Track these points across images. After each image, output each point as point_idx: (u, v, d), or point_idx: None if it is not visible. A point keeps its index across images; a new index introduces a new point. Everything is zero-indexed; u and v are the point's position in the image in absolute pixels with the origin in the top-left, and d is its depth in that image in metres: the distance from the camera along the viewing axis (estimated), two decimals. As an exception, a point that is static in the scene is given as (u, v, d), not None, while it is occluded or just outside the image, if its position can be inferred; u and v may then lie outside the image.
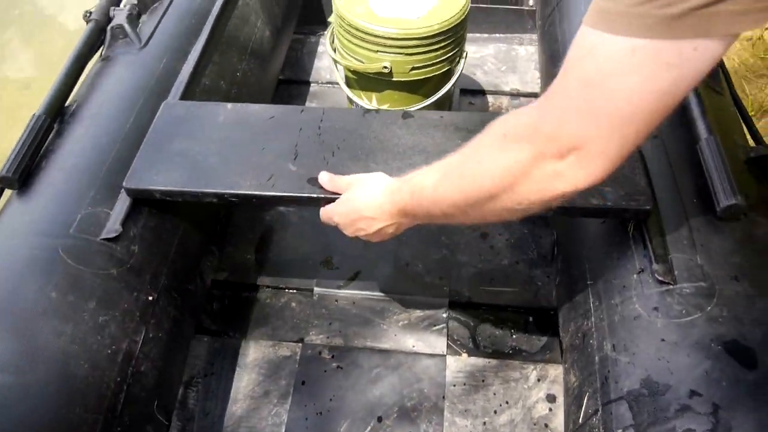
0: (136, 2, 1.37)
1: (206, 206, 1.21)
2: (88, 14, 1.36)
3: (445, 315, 1.32)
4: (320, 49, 2.00)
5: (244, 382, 1.23)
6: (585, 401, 0.94)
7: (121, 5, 1.39)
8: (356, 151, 1.09)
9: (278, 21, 1.70)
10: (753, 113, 2.25)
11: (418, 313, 1.33)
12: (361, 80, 1.50)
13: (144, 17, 1.39)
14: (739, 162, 1.08)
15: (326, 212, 1.00)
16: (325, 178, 1.02)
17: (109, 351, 0.92)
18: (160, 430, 1.00)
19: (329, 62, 1.56)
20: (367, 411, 1.18)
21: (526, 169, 0.63)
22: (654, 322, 0.89)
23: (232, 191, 1.03)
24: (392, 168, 1.05)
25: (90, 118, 1.16)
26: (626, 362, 0.88)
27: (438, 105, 1.53)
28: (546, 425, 1.16)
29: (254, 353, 1.27)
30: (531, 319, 1.32)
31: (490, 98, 1.85)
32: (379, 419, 1.17)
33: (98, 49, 1.35)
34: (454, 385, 1.21)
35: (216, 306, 1.34)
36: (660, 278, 0.92)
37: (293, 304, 1.35)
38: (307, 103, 1.83)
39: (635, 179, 1.00)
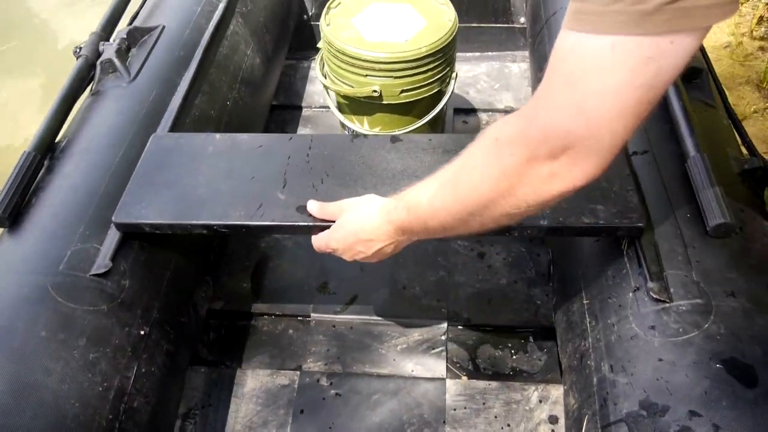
0: (125, 36, 1.37)
1: (199, 237, 1.21)
2: (78, 50, 1.36)
3: (443, 337, 1.31)
4: (312, 74, 2.00)
5: (242, 413, 1.21)
6: (585, 424, 0.92)
7: (111, 40, 1.39)
8: (345, 177, 1.08)
9: (269, 48, 1.71)
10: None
11: (417, 336, 1.32)
12: (352, 104, 1.51)
13: (133, 51, 1.39)
14: (733, 174, 1.07)
15: (321, 240, 0.99)
16: (314, 207, 1.01)
17: (101, 388, 0.91)
18: (155, 466, 0.99)
19: (322, 87, 1.57)
20: (366, 439, 1.17)
21: (521, 172, 0.64)
22: (651, 342, 0.88)
23: (221, 222, 1.03)
24: (381, 193, 1.04)
25: (80, 154, 1.16)
26: (624, 383, 0.87)
27: (430, 125, 1.53)
28: (549, 448, 1.14)
29: (252, 383, 1.26)
30: (531, 338, 1.30)
31: (483, 116, 1.85)
32: (379, 447, 1.16)
33: (89, 84, 1.35)
34: (455, 409, 1.20)
35: (212, 336, 1.33)
36: (656, 296, 0.91)
37: (290, 331, 1.34)
38: (301, 128, 1.83)
39: (627, 196, 0.99)
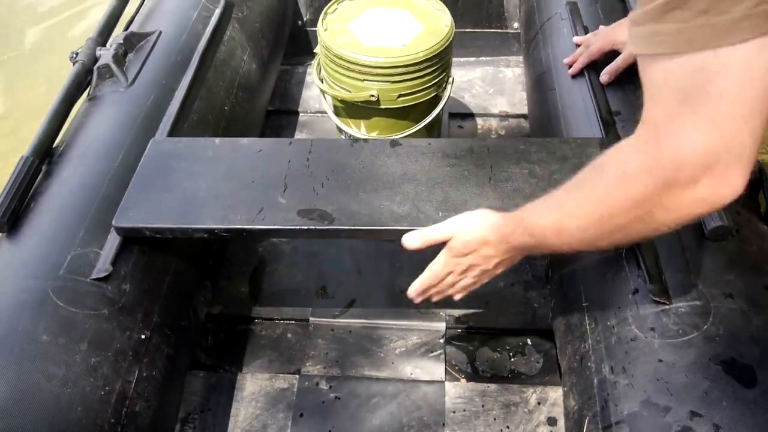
0: (122, 42, 1.37)
1: (198, 241, 1.21)
2: (74, 55, 1.36)
3: (442, 340, 1.31)
4: (308, 79, 2.01)
5: (241, 417, 1.21)
6: (585, 425, 0.93)
7: (107, 45, 1.39)
8: (345, 181, 1.09)
9: (265, 54, 1.71)
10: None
11: (415, 339, 1.32)
12: (349, 109, 1.51)
13: (130, 56, 1.39)
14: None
15: (438, 264, 0.95)
16: (416, 238, 0.94)
17: (102, 392, 0.90)
18: (157, 470, 0.99)
19: (317, 92, 1.58)
20: (366, 442, 1.17)
21: (659, 202, 0.64)
22: (651, 343, 0.89)
23: (222, 226, 1.03)
24: (382, 197, 1.05)
25: (78, 158, 1.16)
26: (625, 384, 0.88)
27: (427, 130, 1.54)
28: (548, 450, 1.15)
29: (251, 387, 1.26)
30: (529, 341, 1.31)
31: (479, 121, 1.86)
32: (379, 450, 1.16)
33: (85, 89, 1.35)
34: (454, 412, 1.20)
35: (211, 340, 1.33)
36: (655, 298, 0.92)
37: (289, 335, 1.34)
38: (297, 133, 1.83)
39: None
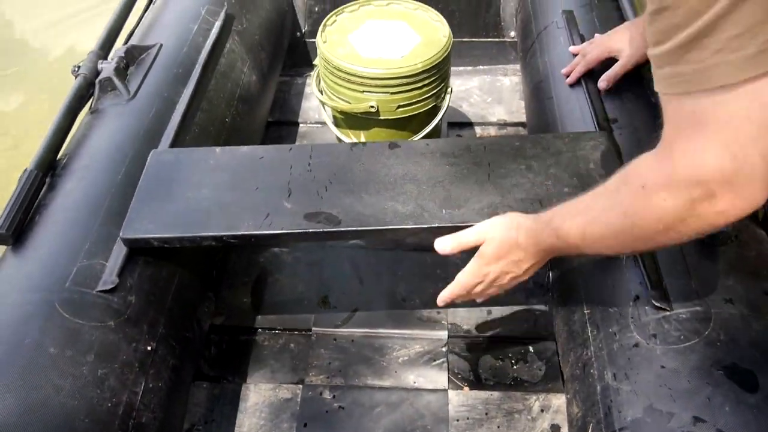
0: (123, 55, 1.38)
1: (202, 252, 1.21)
2: (76, 69, 1.37)
3: (444, 349, 1.32)
4: (307, 90, 2.02)
5: (245, 428, 1.21)
6: (589, 432, 0.94)
7: (109, 58, 1.40)
8: (348, 184, 1.10)
9: (264, 65, 1.73)
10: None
11: (418, 348, 1.33)
12: (348, 120, 1.52)
13: (132, 69, 1.40)
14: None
15: (469, 273, 0.98)
16: (448, 243, 0.97)
17: (110, 404, 0.91)
18: (163, 482, 0.99)
19: (317, 103, 1.59)
20: (370, 451, 1.17)
21: (681, 216, 0.66)
22: (653, 349, 0.90)
23: (230, 233, 1.04)
24: (386, 198, 1.07)
25: (82, 171, 1.17)
26: (628, 391, 0.89)
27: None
28: (551, 457, 1.16)
29: (254, 397, 1.26)
30: (531, 348, 1.32)
31: (477, 129, 1.87)
32: (384, 459, 1.16)
33: (87, 102, 1.36)
34: (458, 420, 1.21)
35: (214, 351, 1.33)
36: (656, 304, 0.93)
37: (292, 345, 1.35)
38: (297, 143, 1.84)
39: None
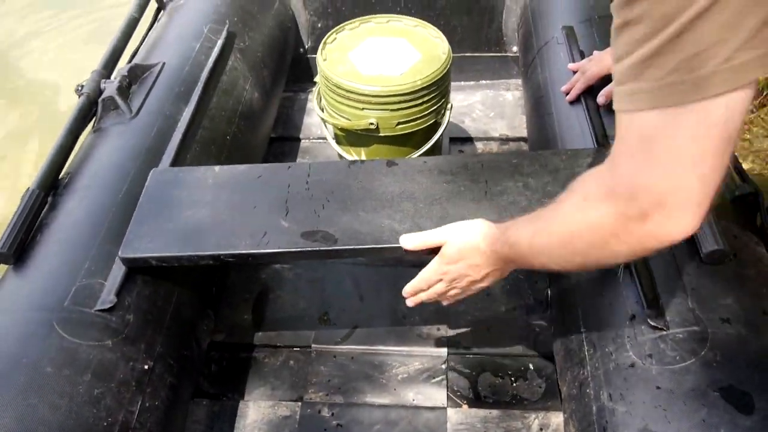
0: (126, 74, 1.40)
1: (200, 270, 1.22)
2: (79, 88, 1.39)
3: (444, 366, 1.32)
4: (309, 105, 2.03)
5: (244, 446, 1.22)
6: (585, 452, 0.93)
7: (112, 77, 1.42)
8: (345, 202, 1.11)
9: (267, 83, 1.74)
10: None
11: (417, 365, 1.32)
12: (349, 136, 1.53)
13: (134, 87, 1.42)
14: (725, 201, 1.09)
15: (430, 270, 1.00)
16: (410, 240, 1.01)
17: (105, 423, 0.91)
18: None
19: (319, 118, 1.60)
20: (369, 470, 1.17)
21: (614, 231, 0.66)
22: (649, 370, 0.89)
23: (227, 252, 1.05)
24: (382, 216, 1.07)
25: (83, 190, 1.18)
26: (623, 412, 0.88)
27: (427, 155, 1.55)
28: (551, 476, 1.15)
29: (254, 414, 1.26)
30: (531, 365, 1.31)
31: (479, 145, 1.88)
32: (382, 478, 1.16)
33: (90, 121, 1.37)
34: (456, 439, 1.20)
35: (214, 368, 1.34)
36: (653, 324, 0.92)
37: (291, 362, 1.35)
38: (299, 159, 1.85)
39: None
